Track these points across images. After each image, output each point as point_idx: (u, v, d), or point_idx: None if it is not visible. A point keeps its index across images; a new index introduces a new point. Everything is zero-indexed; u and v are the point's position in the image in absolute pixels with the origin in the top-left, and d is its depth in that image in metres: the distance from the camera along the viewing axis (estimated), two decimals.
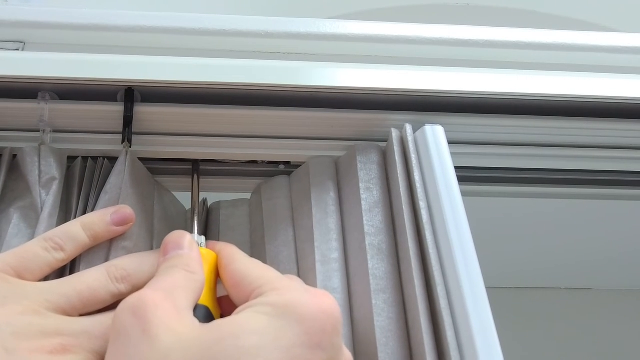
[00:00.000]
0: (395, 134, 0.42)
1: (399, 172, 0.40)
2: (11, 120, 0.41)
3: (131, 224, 0.38)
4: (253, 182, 0.46)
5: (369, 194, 0.40)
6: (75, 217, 0.39)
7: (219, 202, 0.46)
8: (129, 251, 0.37)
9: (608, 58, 0.59)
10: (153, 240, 0.40)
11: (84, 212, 0.39)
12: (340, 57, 0.57)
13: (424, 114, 0.44)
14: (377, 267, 0.37)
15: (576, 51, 0.59)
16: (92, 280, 0.34)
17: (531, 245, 0.88)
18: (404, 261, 0.37)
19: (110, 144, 0.42)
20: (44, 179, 0.39)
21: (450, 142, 0.41)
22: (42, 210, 0.38)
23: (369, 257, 0.37)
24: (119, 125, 0.41)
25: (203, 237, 0.38)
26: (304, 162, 0.44)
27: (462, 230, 0.36)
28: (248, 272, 0.32)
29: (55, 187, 0.39)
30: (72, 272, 0.36)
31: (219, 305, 0.34)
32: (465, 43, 0.58)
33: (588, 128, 0.46)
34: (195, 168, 0.44)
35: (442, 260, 0.36)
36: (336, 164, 0.44)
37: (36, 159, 0.40)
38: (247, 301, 0.30)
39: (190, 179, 0.44)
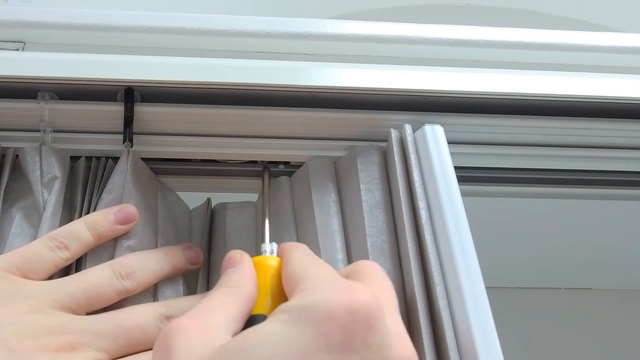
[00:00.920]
0: (394, 134, 0.42)
1: (398, 172, 0.40)
2: (11, 120, 0.42)
3: (135, 222, 0.38)
4: (253, 182, 0.46)
5: (370, 194, 0.40)
6: (79, 217, 0.39)
7: (224, 203, 0.46)
8: (133, 250, 0.37)
9: (608, 58, 0.59)
10: (157, 239, 0.40)
11: (88, 212, 0.39)
12: (340, 57, 0.57)
13: (424, 114, 0.44)
14: None
15: (576, 51, 0.59)
16: (97, 278, 0.34)
17: (531, 245, 0.88)
18: (405, 261, 0.37)
19: (111, 144, 0.42)
20: (46, 179, 0.39)
21: (449, 142, 0.41)
22: (44, 210, 0.38)
23: (371, 258, 0.37)
24: (119, 125, 0.41)
25: (274, 245, 0.37)
26: (304, 162, 0.44)
27: (462, 230, 0.36)
28: (294, 273, 0.30)
29: (57, 186, 0.39)
30: (77, 271, 0.36)
31: None
32: (465, 43, 0.58)
33: (588, 128, 0.46)
34: (267, 172, 0.44)
35: (441, 260, 0.36)
36: (335, 164, 0.44)
37: (37, 158, 0.40)
38: None
39: (261, 181, 0.43)
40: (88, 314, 0.33)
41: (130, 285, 0.35)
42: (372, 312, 0.25)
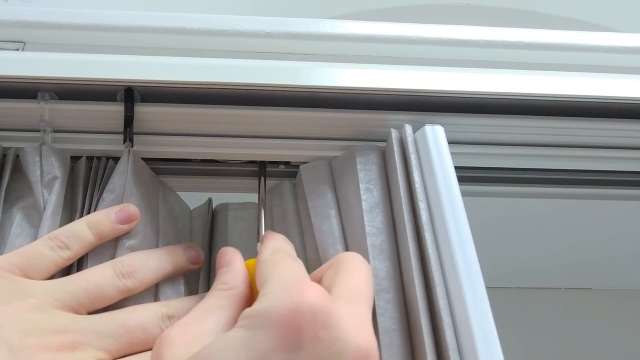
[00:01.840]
0: (394, 134, 0.42)
1: (398, 172, 0.40)
2: (12, 120, 0.42)
3: (136, 222, 0.38)
4: (254, 182, 0.46)
5: (369, 194, 0.40)
6: (80, 217, 0.39)
7: (226, 204, 0.46)
8: (134, 250, 0.38)
9: (608, 58, 0.59)
10: (158, 239, 0.40)
11: (89, 212, 0.39)
12: (340, 57, 0.57)
13: (424, 114, 0.44)
14: (379, 267, 0.37)
15: (576, 51, 0.59)
16: (98, 277, 0.34)
17: (531, 245, 0.89)
18: (405, 261, 0.37)
19: (112, 144, 0.42)
20: (46, 179, 0.39)
21: (449, 142, 0.41)
22: (44, 210, 0.38)
23: (370, 258, 0.37)
24: (119, 125, 0.41)
25: None
26: (304, 162, 0.44)
27: (462, 230, 0.36)
28: (259, 277, 0.32)
29: (57, 186, 0.39)
30: (78, 271, 0.36)
31: None
32: (465, 43, 0.58)
33: (588, 128, 0.46)
34: (262, 170, 0.44)
35: (442, 261, 0.36)
36: (331, 163, 0.44)
37: (37, 158, 0.40)
38: None
39: (257, 181, 0.44)
40: (89, 313, 0.33)
41: (131, 284, 0.35)
42: (319, 309, 0.26)
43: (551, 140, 0.47)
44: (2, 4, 0.62)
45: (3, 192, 0.39)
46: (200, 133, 0.43)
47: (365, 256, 0.37)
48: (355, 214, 0.40)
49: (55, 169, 0.39)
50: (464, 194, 0.38)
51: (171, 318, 0.34)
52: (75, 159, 0.42)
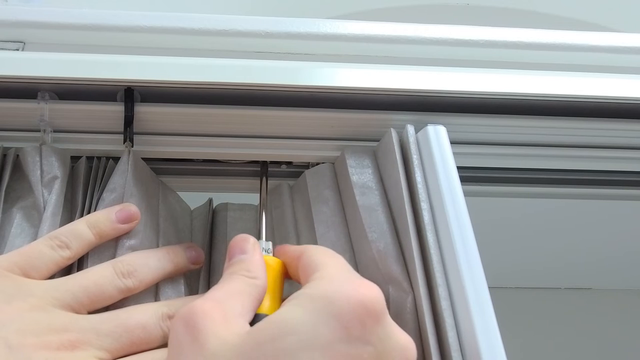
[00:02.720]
0: (394, 134, 0.42)
1: (399, 172, 0.40)
2: (12, 120, 0.42)
3: (136, 221, 0.38)
4: (254, 182, 0.46)
5: (364, 198, 0.40)
6: (80, 216, 0.39)
7: (226, 204, 0.46)
8: (134, 249, 0.38)
9: (608, 58, 0.59)
10: (159, 239, 0.40)
11: (89, 211, 0.39)
12: (340, 57, 0.57)
13: (425, 114, 0.44)
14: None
15: (576, 51, 0.59)
16: (98, 276, 0.34)
17: (531, 245, 0.89)
18: (408, 263, 0.37)
19: (112, 144, 0.42)
20: (46, 178, 0.39)
21: (450, 142, 0.41)
22: (44, 209, 0.38)
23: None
24: (119, 125, 0.41)
25: (270, 243, 0.37)
26: (305, 163, 0.44)
27: (465, 231, 0.36)
28: (310, 260, 0.32)
29: (57, 185, 0.39)
30: (78, 271, 0.36)
31: None
32: (465, 43, 0.58)
33: (588, 128, 0.46)
34: (264, 170, 0.44)
35: (444, 262, 0.36)
36: (334, 165, 0.44)
37: (37, 158, 0.40)
38: None
39: (258, 181, 0.44)
40: (90, 313, 0.33)
41: (132, 283, 0.35)
42: (379, 307, 0.27)
43: (551, 140, 0.47)
44: (2, 4, 0.62)
45: (3, 192, 0.39)
46: (201, 133, 0.43)
47: (372, 260, 0.37)
48: (355, 218, 0.40)
49: (55, 169, 0.39)
50: (464, 194, 0.38)
51: (171, 317, 0.34)
52: (75, 158, 0.42)
